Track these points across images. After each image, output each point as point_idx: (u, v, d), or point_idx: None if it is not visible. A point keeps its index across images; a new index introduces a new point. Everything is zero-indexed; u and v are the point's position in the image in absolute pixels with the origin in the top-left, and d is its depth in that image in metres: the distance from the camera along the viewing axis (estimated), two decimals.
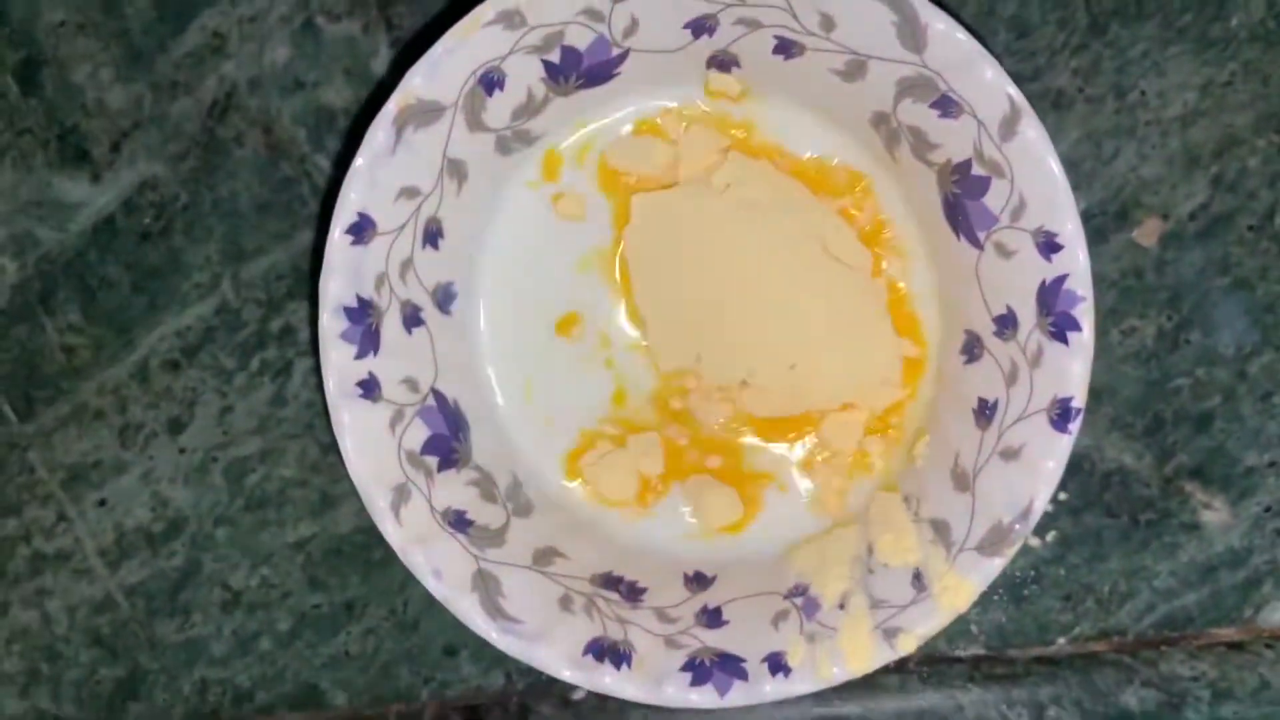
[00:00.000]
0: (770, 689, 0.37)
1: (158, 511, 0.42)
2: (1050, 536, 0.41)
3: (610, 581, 0.38)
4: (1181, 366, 0.41)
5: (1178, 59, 0.40)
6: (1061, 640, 0.42)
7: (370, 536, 0.42)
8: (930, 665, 0.42)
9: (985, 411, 0.37)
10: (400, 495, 0.37)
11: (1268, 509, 0.41)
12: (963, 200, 0.36)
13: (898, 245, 0.39)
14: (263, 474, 0.42)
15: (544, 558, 0.38)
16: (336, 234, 0.36)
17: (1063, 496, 0.41)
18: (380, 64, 0.41)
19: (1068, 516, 0.41)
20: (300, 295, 0.42)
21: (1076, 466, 0.41)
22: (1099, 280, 0.40)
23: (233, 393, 0.42)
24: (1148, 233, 0.41)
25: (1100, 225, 0.41)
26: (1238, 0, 0.40)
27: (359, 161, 0.36)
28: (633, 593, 0.38)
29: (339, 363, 0.36)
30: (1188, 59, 0.40)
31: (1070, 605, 0.41)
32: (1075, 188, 0.40)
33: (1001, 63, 0.40)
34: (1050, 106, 0.40)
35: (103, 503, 0.43)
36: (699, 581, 0.39)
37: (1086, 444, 0.41)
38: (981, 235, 0.36)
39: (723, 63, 0.38)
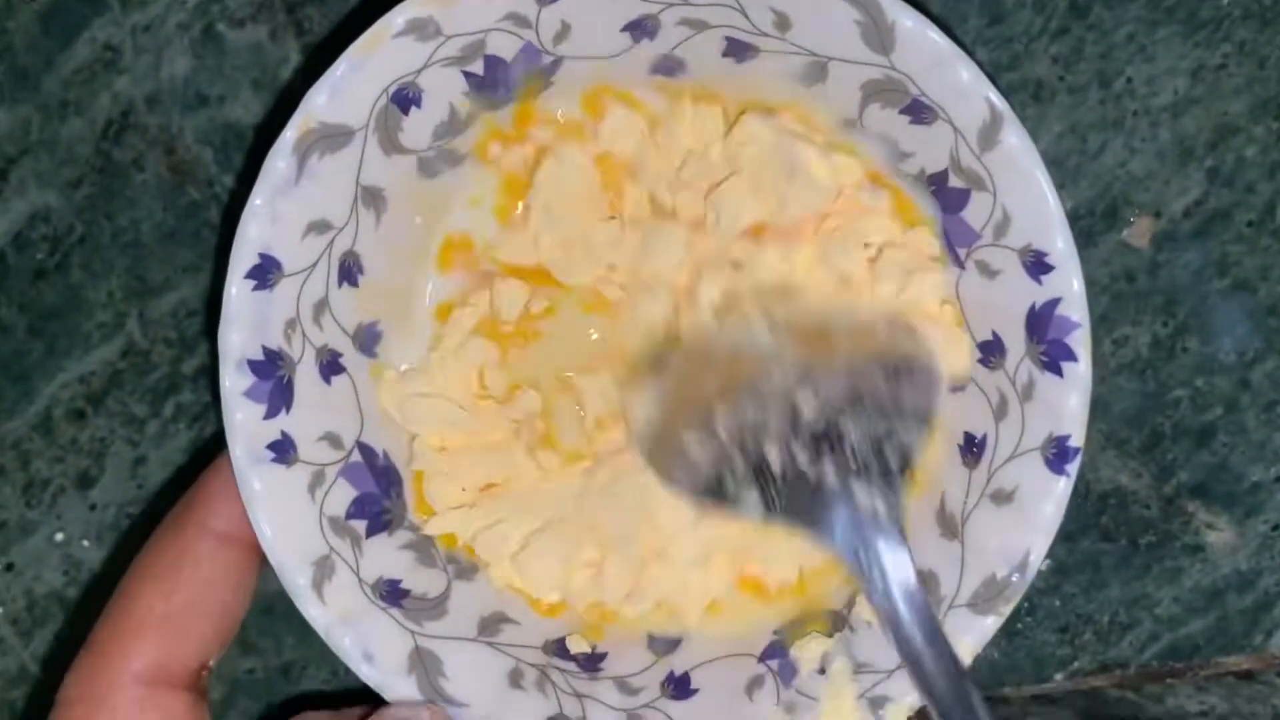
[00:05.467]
0: None
1: (71, 574, 0.41)
2: (1044, 565, 0.39)
3: (566, 647, 0.36)
4: (1179, 377, 0.40)
5: (1166, 42, 0.39)
6: (1059, 676, 0.41)
7: None
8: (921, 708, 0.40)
9: (973, 448, 0.35)
10: (323, 570, 0.34)
11: (1276, 527, 0.40)
12: (940, 214, 0.33)
13: None
14: None
15: (491, 626, 0.36)
16: (235, 279, 0.33)
17: None
18: (291, 73, 0.39)
19: (1062, 542, 0.40)
20: (216, 333, 0.39)
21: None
22: (1088, 285, 0.38)
23: (146, 442, 0.40)
24: (1139, 233, 0.39)
25: (1088, 226, 0.39)
26: None
27: (257, 198, 0.33)
28: (591, 660, 0.36)
29: (246, 425, 0.34)
30: (1177, 41, 0.39)
31: (1068, 638, 0.40)
32: (1059, 186, 0.38)
33: (974, 52, 0.38)
34: (1030, 98, 0.39)
35: (10, 567, 0.41)
36: (664, 642, 0.36)
37: (1080, 463, 0.39)
38: (962, 252, 0.33)
39: (668, 68, 0.35)
